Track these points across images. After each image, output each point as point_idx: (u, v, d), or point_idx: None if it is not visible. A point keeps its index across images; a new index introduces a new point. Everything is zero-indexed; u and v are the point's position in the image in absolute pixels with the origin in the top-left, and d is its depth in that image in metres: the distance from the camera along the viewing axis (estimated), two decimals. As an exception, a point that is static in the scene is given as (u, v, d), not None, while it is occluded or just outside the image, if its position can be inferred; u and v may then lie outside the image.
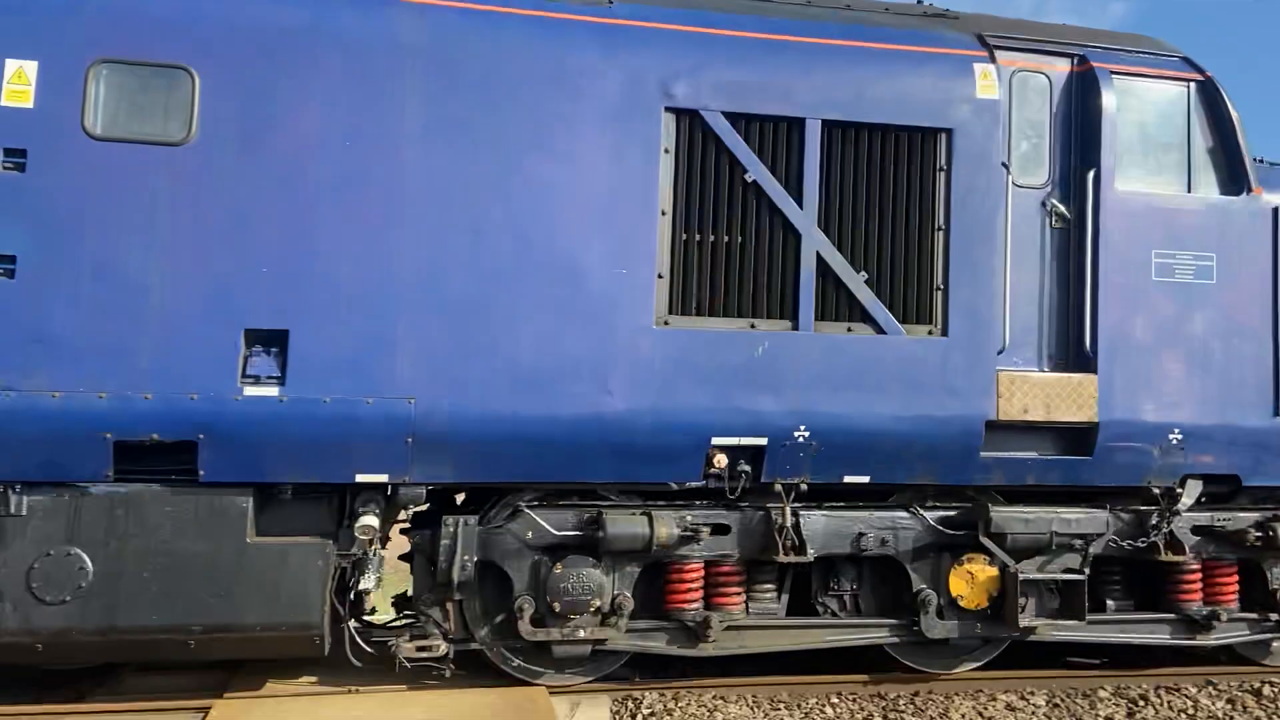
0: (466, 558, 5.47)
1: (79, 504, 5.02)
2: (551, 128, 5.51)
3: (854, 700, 5.90)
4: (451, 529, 5.47)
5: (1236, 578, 6.64)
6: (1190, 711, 5.92)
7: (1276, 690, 6.26)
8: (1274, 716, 5.89)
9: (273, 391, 5.08)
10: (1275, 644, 6.86)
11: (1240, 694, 6.22)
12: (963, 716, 5.74)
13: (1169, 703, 6.05)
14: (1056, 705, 5.99)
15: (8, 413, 4.78)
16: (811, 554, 5.78)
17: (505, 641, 5.79)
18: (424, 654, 5.59)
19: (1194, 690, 6.26)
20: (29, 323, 4.83)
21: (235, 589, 5.15)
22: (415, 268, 5.29)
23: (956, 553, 6.14)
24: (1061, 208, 6.35)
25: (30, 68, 4.92)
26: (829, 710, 5.73)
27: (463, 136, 5.39)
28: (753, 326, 5.72)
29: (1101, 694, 6.17)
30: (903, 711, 5.76)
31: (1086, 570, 6.16)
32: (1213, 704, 6.05)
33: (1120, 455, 6.19)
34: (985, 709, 5.85)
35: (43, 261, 4.88)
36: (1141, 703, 6.05)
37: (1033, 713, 5.86)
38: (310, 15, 5.29)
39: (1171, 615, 6.51)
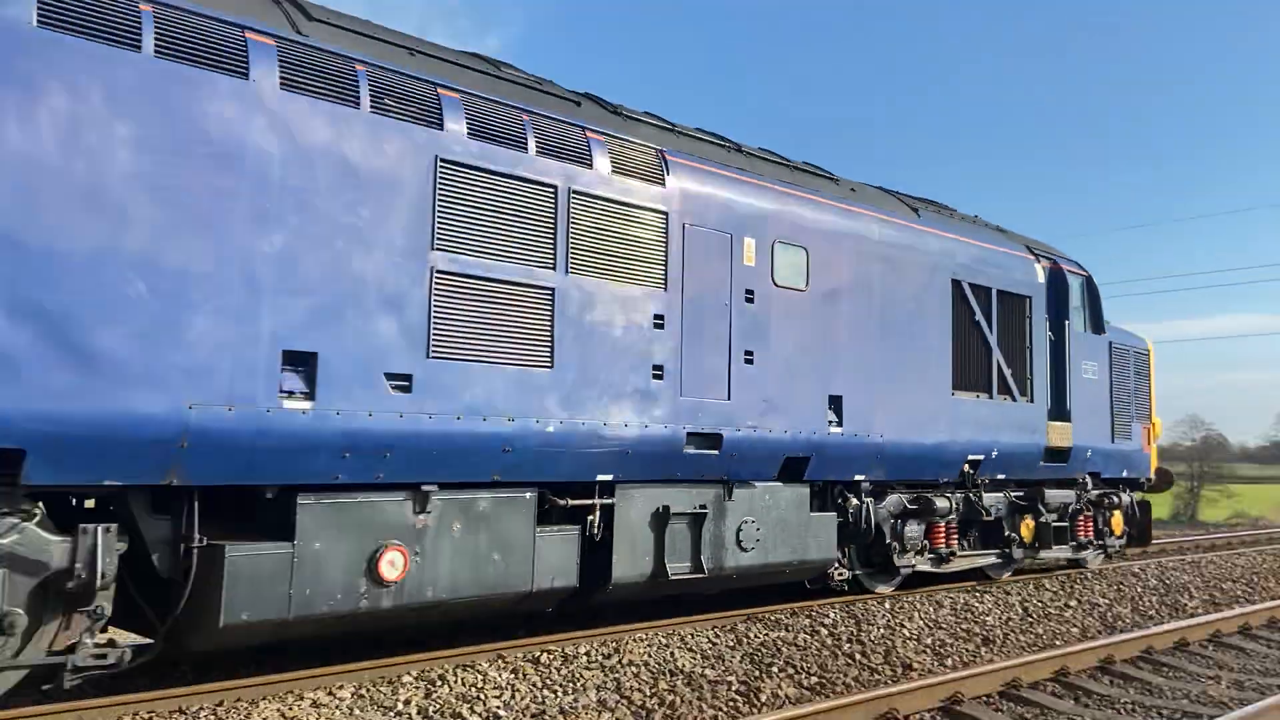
0: (872, 521, 10.04)
1: (752, 493, 8.79)
2: (914, 288, 10.37)
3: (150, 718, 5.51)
4: (865, 506, 9.98)
5: (1091, 524, 13.32)
6: (480, 684, 6.43)
7: (552, 656, 7.17)
8: (547, 679, 6.68)
9: (839, 430, 9.33)
10: (1089, 555, 13.66)
11: (523, 664, 6.97)
12: (267, 720, 5.53)
13: (463, 679, 6.49)
14: (362, 696, 6.10)
15: (752, 442, 8.52)
16: (992, 517, 11.22)
17: (864, 570, 10.44)
18: (840, 578, 9.99)
19: (485, 665, 6.83)
20: (760, 392, 8.59)
21: (807, 540, 9.24)
22: (878, 364, 9.83)
23: (1020, 514, 11.96)
24: (1053, 335, 12.55)
25: (752, 243, 8.67)
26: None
27: (885, 294, 10.02)
28: (978, 397, 11.07)
29: (405, 679, 6.47)
30: (203, 724, 5.45)
31: (1067, 521, 12.39)
32: (499, 675, 6.63)
33: (1074, 463, 12.57)
34: (291, 709, 5.77)
35: (763, 357, 8.65)
36: (440, 682, 6.42)
37: (337, 706, 5.88)
38: (846, 227, 9.63)
39: (1074, 543, 12.94)
